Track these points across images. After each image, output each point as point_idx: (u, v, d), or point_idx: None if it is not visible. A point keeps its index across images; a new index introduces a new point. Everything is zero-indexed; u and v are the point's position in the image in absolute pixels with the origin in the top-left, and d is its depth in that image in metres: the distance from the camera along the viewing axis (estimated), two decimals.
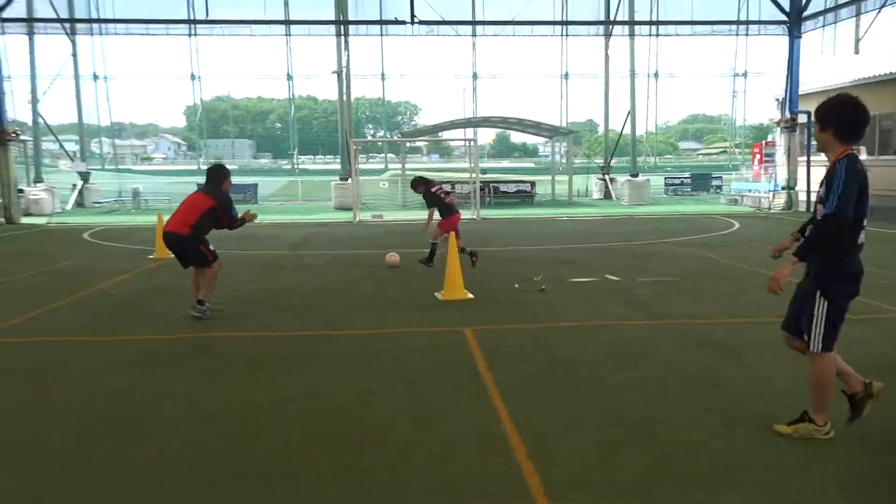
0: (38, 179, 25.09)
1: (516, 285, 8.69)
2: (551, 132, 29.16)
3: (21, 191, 21.48)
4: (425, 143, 70.43)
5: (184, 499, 3.25)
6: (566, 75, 35.85)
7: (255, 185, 28.00)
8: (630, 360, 5.42)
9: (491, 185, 26.04)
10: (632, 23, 26.22)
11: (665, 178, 31.39)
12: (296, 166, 46.38)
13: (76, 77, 27.58)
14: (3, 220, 19.60)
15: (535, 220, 19.59)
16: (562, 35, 32.00)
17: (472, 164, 21.98)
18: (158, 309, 7.71)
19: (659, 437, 3.87)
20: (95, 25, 24.85)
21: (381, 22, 22.31)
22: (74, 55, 26.43)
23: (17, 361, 5.66)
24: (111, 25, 23.27)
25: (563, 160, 32.54)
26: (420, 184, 10.32)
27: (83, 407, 4.54)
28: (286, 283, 9.23)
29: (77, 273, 10.28)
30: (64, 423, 4.25)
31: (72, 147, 29.91)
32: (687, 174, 33.38)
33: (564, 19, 30.42)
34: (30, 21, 22.64)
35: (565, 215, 20.92)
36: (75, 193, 25.42)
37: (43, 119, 25.98)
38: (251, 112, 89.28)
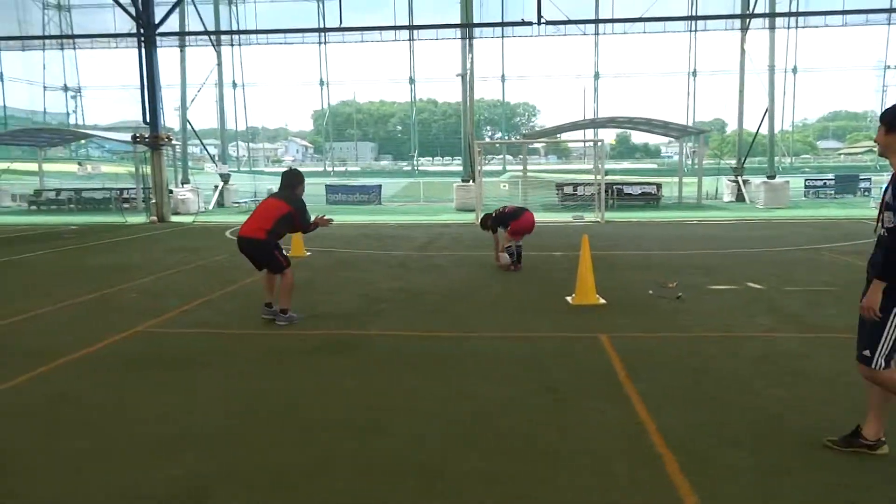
0: (185, 181, 27.12)
1: (650, 291, 8.39)
2: (680, 132, 28.01)
3: (171, 191, 23.30)
4: (543, 144, 69.78)
5: (343, 494, 3.36)
6: (694, 72, 34.38)
7: (380, 187, 28.84)
8: (786, 376, 5.06)
9: (614, 186, 25.38)
10: (774, 15, 24.66)
11: (805, 180, 29.33)
12: (416, 168, 47.34)
13: (220, 85, 29.59)
14: (155, 218, 21.34)
15: (662, 223, 18.88)
16: (691, 31, 30.71)
17: (599, 166, 21.49)
18: (297, 305, 8.07)
19: (830, 466, 3.58)
20: (239, 36, 26.54)
21: (507, 24, 22.32)
22: (219, 65, 28.36)
23: (174, 351, 6.10)
24: (253, 36, 24.76)
25: (690, 161, 31.18)
26: (486, 219, 10.63)
27: (234, 399, 4.81)
28: (416, 284, 9.41)
29: (223, 269, 10.98)
30: (217, 414, 4.51)
31: (213, 151, 32.13)
32: (830, 175, 31.05)
33: (695, 14, 29.16)
34: (182, 35, 24.54)
35: (695, 218, 20.02)
36: (216, 194, 27.27)
37: (190, 125, 28.07)
38: (374, 115, 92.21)
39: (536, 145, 71.08)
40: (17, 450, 3.92)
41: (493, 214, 10.51)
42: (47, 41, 31.72)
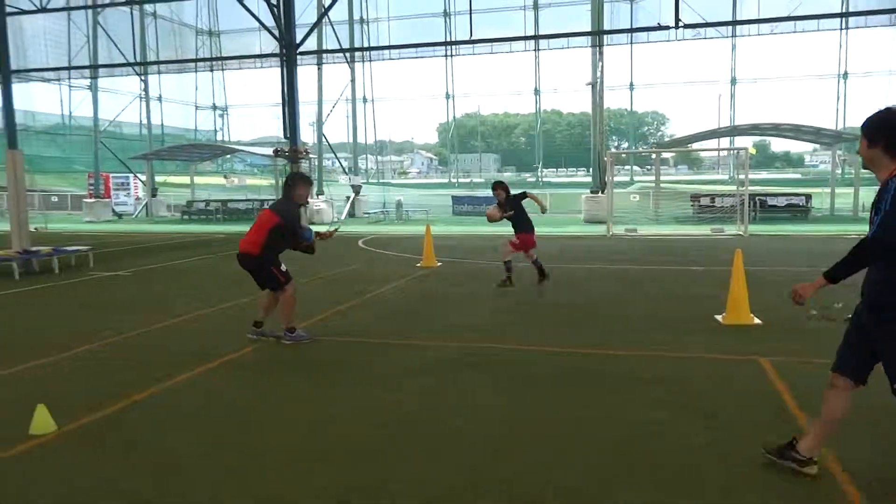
0: (320, 192, 28.33)
1: (812, 312, 7.63)
2: (832, 138, 25.86)
3: (307, 203, 24.40)
4: (672, 154, 67.00)
5: None
6: (845, 74, 31.75)
7: None
8: None
9: (757, 198, 23.79)
10: None
11: None
12: (540, 179, 46.89)
13: (353, 100, 30.78)
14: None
15: (813, 237, 17.40)
16: (841, 28, 28.33)
17: (741, 175, 20.20)
18: (433, 315, 8.06)
19: None
20: (370, 53, 27.49)
21: (642, 29, 21.56)
22: (352, 81, 29.53)
23: (315, 359, 6.21)
24: (385, 51, 25.53)
25: (841, 170, 28.71)
26: (501, 187, 9.72)
27: (377, 410, 4.78)
28: (550, 297, 9.14)
29: (357, 278, 11.23)
30: (361, 425, 4.49)
31: (345, 163, 33.41)
32: None
33: (847, 10, 26.91)
34: (319, 53, 25.76)
35: (852, 233, 18.32)
36: (349, 205, 28.28)
37: (325, 139, 29.33)
38: (497, 127, 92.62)
39: (666, 155, 68.39)
40: (178, 451, 4.07)
41: (520, 195, 9.76)
42: (199, 64, 34.33)
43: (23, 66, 28.63)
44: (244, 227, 24.04)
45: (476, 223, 24.00)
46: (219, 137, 45.45)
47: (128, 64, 28.88)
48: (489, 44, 23.71)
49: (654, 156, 31.95)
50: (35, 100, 37.06)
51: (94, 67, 30.17)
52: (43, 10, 23.70)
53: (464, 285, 10.31)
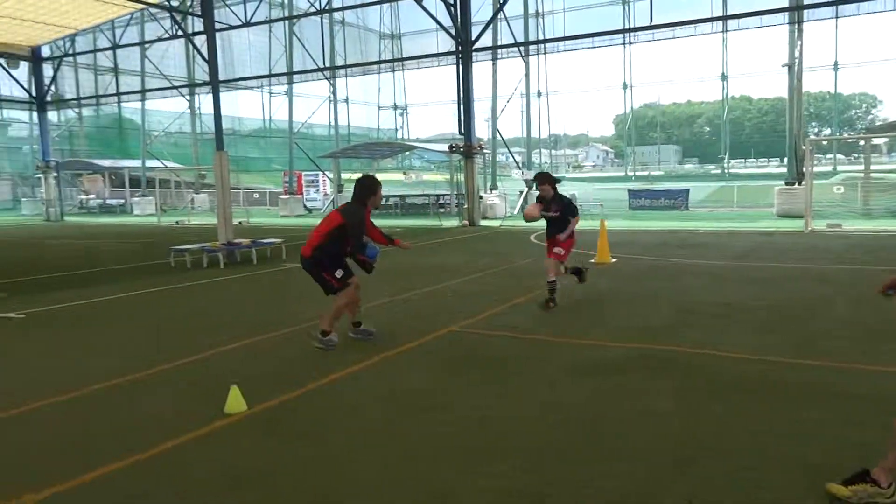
0: (493, 187, 28.58)
1: None
2: None
3: (480, 197, 24.72)
4: (885, 140, 59.44)
5: None
6: None
7: (687, 191, 27.15)
8: None
9: None
10: None
11: None
12: (726, 170, 43.76)
13: (527, 95, 30.68)
14: (466, 222, 22.80)
15: None
16: None
17: None
18: (606, 313, 7.75)
19: None
20: (545, 45, 27.20)
21: (851, 0, 19.26)
22: (526, 75, 29.41)
23: (487, 354, 6.19)
24: (560, 43, 25.12)
25: None
26: (549, 181, 8.06)
27: (548, 409, 4.64)
28: (736, 297, 8.42)
29: (530, 272, 11.12)
30: (532, 424, 4.38)
31: (518, 158, 33.43)
32: None
33: None
34: (495, 48, 25.95)
35: None
36: (521, 199, 28.24)
37: (499, 134, 29.53)
38: (679, 117, 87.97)
39: (877, 141, 60.85)
40: (351, 439, 4.22)
41: (569, 204, 8.21)
42: (382, 66, 36.06)
43: (231, 76, 31.85)
44: (421, 222, 24.93)
45: (654, 217, 22.92)
46: (399, 135, 47.53)
47: (318, 69, 31.07)
48: (671, 28, 22.46)
49: (862, 142, 28.48)
50: (241, 106, 41.20)
51: (290, 74, 32.80)
52: (247, 24, 26.18)
53: (639, 283, 9.83)
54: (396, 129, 48.17)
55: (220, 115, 14.47)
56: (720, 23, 24.84)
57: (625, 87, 36.85)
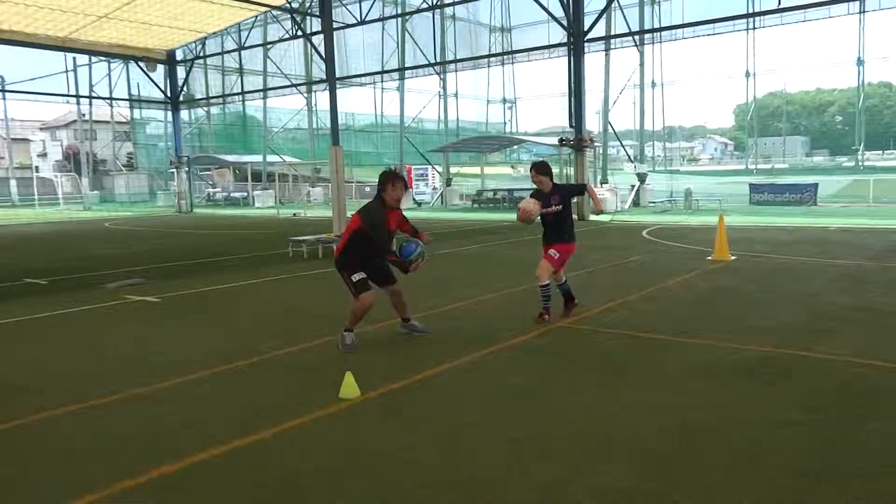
0: (604, 180, 27.96)
1: None
2: None
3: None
4: None
5: None
6: None
7: (815, 185, 25.43)
8: None
9: None
10: None
11: None
12: (860, 163, 40.57)
13: (641, 86, 29.74)
14: (575, 216, 22.42)
15: None
16: None
17: None
18: (725, 314, 7.38)
19: None
20: (661, 34, 26.24)
21: None
22: (641, 65, 28.52)
23: (595, 351, 6.06)
24: (679, 31, 24.14)
25: None
26: (545, 172, 6.95)
27: (662, 412, 4.47)
28: (877, 301, 7.78)
29: (642, 269, 10.79)
30: (645, 426, 4.24)
31: (630, 151, 32.47)
32: None
33: None
34: (608, 38, 25.33)
35: None
36: (633, 193, 27.45)
37: (611, 126, 28.81)
38: (806, 106, 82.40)
39: None
40: (462, 429, 4.26)
41: (577, 187, 7.51)
42: (492, 59, 36.08)
43: (345, 73, 32.90)
44: None
45: (778, 214, 21.62)
46: (507, 129, 47.43)
47: (429, 65, 31.51)
48: (801, 11, 21.02)
49: None
50: (354, 102, 42.49)
51: (402, 70, 33.50)
52: (362, 22, 26.91)
53: (761, 282, 9.29)
54: (504, 123, 48.07)
55: (337, 111, 14.98)
56: (857, 3, 23.04)
57: (747, 74, 34.89)
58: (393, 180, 6.04)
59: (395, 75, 35.25)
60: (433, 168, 36.82)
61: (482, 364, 5.67)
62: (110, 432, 4.33)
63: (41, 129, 65.43)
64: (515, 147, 43.49)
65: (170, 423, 4.47)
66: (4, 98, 40.06)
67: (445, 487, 3.43)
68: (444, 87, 36.68)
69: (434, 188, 37.04)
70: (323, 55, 21.77)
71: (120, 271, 11.73)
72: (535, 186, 7.13)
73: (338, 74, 21.23)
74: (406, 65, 33.78)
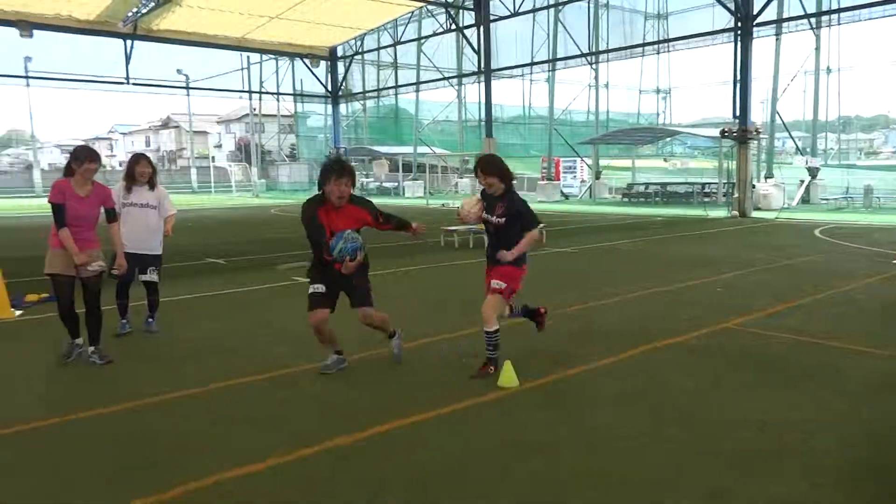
0: (769, 175, 26.05)
1: None
2: None
3: (753, 186, 22.70)
4: None
5: None
6: None
7: None
8: None
9: None
10: None
11: None
12: None
13: (816, 72, 27.34)
14: (736, 213, 21.11)
15: None
16: None
17: None
18: None
19: None
20: (841, 15, 23.93)
21: None
22: (817, 49, 26.20)
23: (765, 355, 5.67)
24: (864, 11, 21.90)
25: None
26: (497, 172, 5.16)
27: (850, 426, 4.12)
28: None
29: (814, 271, 9.97)
30: (823, 437, 3.93)
31: (799, 143, 29.99)
32: None
33: None
34: (780, 22, 23.50)
35: None
36: (802, 189, 25.38)
37: (780, 116, 26.77)
38: None
39: None
40: (616, 428, 4.17)
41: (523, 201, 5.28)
42: (647, 48, 34.70)
43: (495, 66, 33.07)
44: (683, 211, 23.78)
45: None
46: (660, 120, 45.51)
47: (582, 55, 30.89)
48: None
49: None
50: (503, 94, 42.65)
51: (553, 61, 33.08)
52: (515, 13, 26.90)
53: None
54: (658, 114, 46.17)
55: (491, 102, 15.10)
56: None
57: None
58: (337, 174, 4.89)
59: (545, 66, 34.89)
60: (582, 160, 36.15)
61: (642, 362, 5.51)
62: (285, 402, 4.68)
63: (217, 122, 71.58)
64: (668, 139, 41.63)
65: (336, 399, 4.75)
66: (189, 94, 44.16)
67: (603, 486, 3.38)
68: (597, 77, 35.78)
69: (582, 181, 36.37)
70: (475, 48, 22.04)
71: (288, 254, 12.61)
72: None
73: (483, 66, 21.37)
74: (557, 55, 33.33)
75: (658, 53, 39.56)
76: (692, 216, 21.46)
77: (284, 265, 11.19)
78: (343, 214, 5.03)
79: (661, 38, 36.16)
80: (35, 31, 25.87)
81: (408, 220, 5.40)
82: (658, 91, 45.37)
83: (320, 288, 5.01)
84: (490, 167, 5.17)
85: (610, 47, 33.86)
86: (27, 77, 32.60)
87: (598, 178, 34.35)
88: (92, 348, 5.59)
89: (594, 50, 32.58)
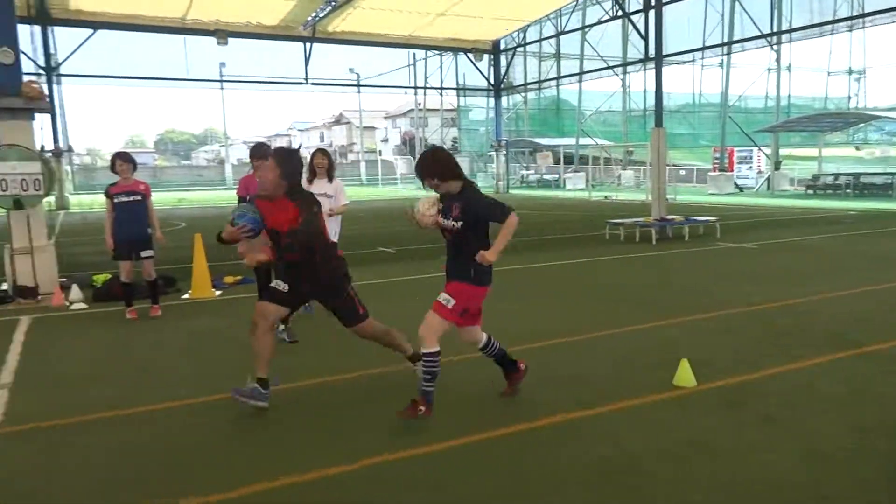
0: None
1: None
2: None
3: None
4: None
5: None
6: None
7: None
8: None
9: None
10: None
11: None
12: None
13: None
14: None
15: None
16: None
17: None
18: None
19: None
20: None
21: None
22: None
23: None
24: None
25: None
26: (445, 169, 4.25)
27: None
28: None
29: None
30: None
31: None
32: None
33: None
34: None
35: None
36: None
37: None
38: None
39: None
40: (821, 436, 3.83)
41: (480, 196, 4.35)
42: (837, 26, 31.47)
43: (662, 52, 31.58)
44: (881, 205, 21.45)
45: None
46: (852, 104, 41.18)
47: (762, 35, 28.59)
48: None
49: None
50: (670, 82, 40.67)
51: (728, 44, 31.00)
52: None
53: None
54: (849, 97, 41.80)
55: (661, 90, 14.48)
56: None
57: None
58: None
59: (719, 50, 32.80)
60: (759, 150, 33.61)
61: (841, 368, 5.01)
62: (452, 389, 4.79)
63: (384, 117, 74.92)
64: (862, 125, 37.56)
65: (532, 383, 4.78)
66: (359, 92, 46.56)
67: (809, 499, 3.12)
68: (778, 60, 33.03)
69: (759, 172, 33.82)
70: (642, 34, 21.19)
71: None
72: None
73: (655, 52, 20.44)
74: (733, 38, 31.16)
75: (851, 31, 35.79)
76: (890, 210, 19.25)
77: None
78: (276, 208, 4.40)
79: (856, 14, 32.64)
80: (229, 39, 28.50)
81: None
82: (850, 72, 41.08)
83: (282, 285, 4.45)
84: (425, 170, 4.27)
85: (794, 26, 31.08)
86: (221, 81, 35.99)
87: (777, 168, 31.76)
88: (282, 327, 6.07)
89: (776, 30, 30.07)
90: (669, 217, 14.07)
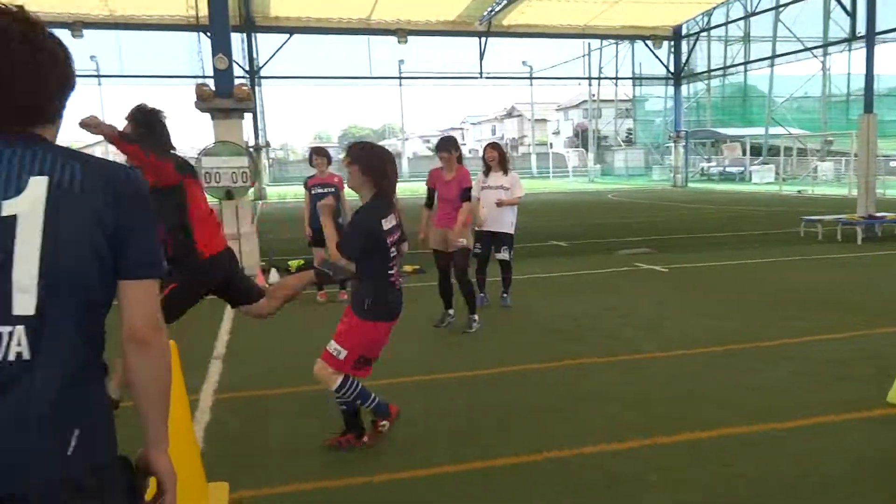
0: None
1: None
2: None
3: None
4: None
5: None
6: None
7: None
8: None
9: None
10: None
11: None
12: None
13: None
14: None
15: None
16: None
17: None
18: None
19: None
20: None
21: None
22: None
23: None
24: None
25: None
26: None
27: None
28: None
29: None
30: None
31: None
32: None
33: None
34: None
35: None
36: None
37: None
38: None
39: None
40: None
41: None
42: None
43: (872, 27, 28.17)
44: None
45: None
46: None
47: None
48: None
49: None
50: (880, 63, 36.22)
51: None
52: None
53: None
54: None
55: (873, 72, 12.99)
56: None
57: None
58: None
59: None
60: None
61: None
62: (639, 388, 4.65)
63: (556, 109, 74.16)
64: None
65: (687, 385, 4.56)
66: (531, 84, 46.41)
67: None
68: None
69: None
70: (848, 10, 19.11)
71: (627, 239, 12.52)
72: None
73: (862, 31, 18.30)
74: None
75: None
76: None
77: (626, 250, 11.15)
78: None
79: None
80: (408, 37, 29.73)
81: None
82: None
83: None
84: (368, 165, 3.69)
85: None
86: (400, 77, 37.59)
87: None
88: (474, 316, 6.26)
89: None
90: (879, 214, 12.59)
